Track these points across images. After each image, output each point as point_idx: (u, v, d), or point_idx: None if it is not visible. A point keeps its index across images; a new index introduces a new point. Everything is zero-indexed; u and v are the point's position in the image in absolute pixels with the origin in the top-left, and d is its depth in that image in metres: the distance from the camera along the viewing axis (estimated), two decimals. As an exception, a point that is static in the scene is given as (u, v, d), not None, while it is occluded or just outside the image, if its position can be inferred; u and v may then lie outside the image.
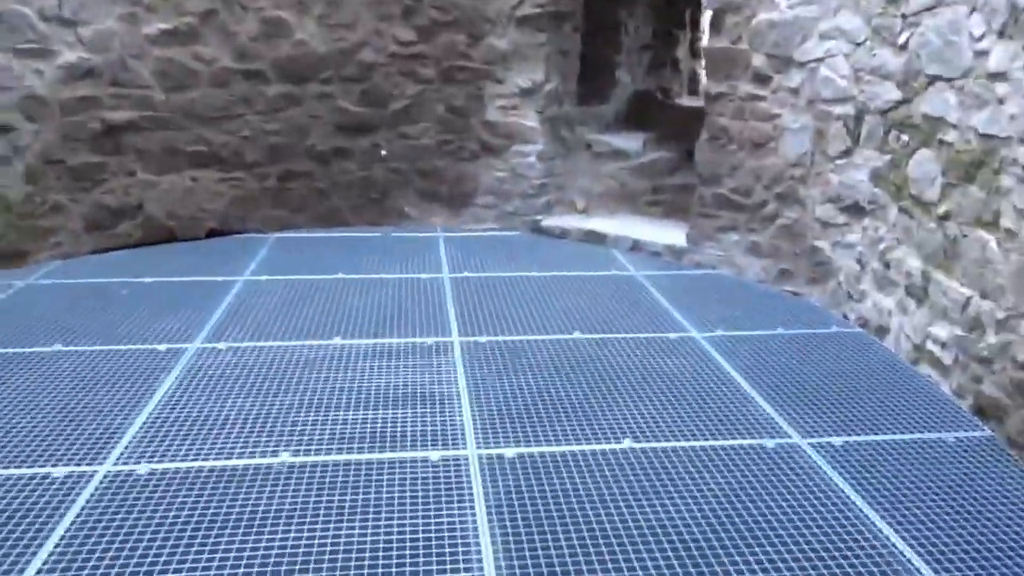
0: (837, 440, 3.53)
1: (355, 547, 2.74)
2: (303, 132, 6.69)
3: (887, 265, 4.65)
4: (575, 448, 3.40)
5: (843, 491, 3.14)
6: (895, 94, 4.55)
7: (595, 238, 6.66)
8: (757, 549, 2.77)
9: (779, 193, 5.54)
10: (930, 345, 4.20)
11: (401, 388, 3.94)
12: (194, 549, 2.72)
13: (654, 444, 3.44)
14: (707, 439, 3.50)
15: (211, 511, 2.93)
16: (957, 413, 3.81)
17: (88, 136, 5.91)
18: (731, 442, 3.48)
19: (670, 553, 2.73)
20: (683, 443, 3.46)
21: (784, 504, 3.04)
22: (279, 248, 6.34)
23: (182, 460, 3.26)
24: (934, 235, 4.19)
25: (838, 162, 5.09)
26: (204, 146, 6.40)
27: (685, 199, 6.57)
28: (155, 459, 3.26)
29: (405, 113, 6.90)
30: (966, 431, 3.65)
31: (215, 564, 2.64)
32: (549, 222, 6.93)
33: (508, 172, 6.97)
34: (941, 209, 4.12)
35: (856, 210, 4.99)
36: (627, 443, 3.44)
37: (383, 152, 6.92)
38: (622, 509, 2.98)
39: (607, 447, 3.41)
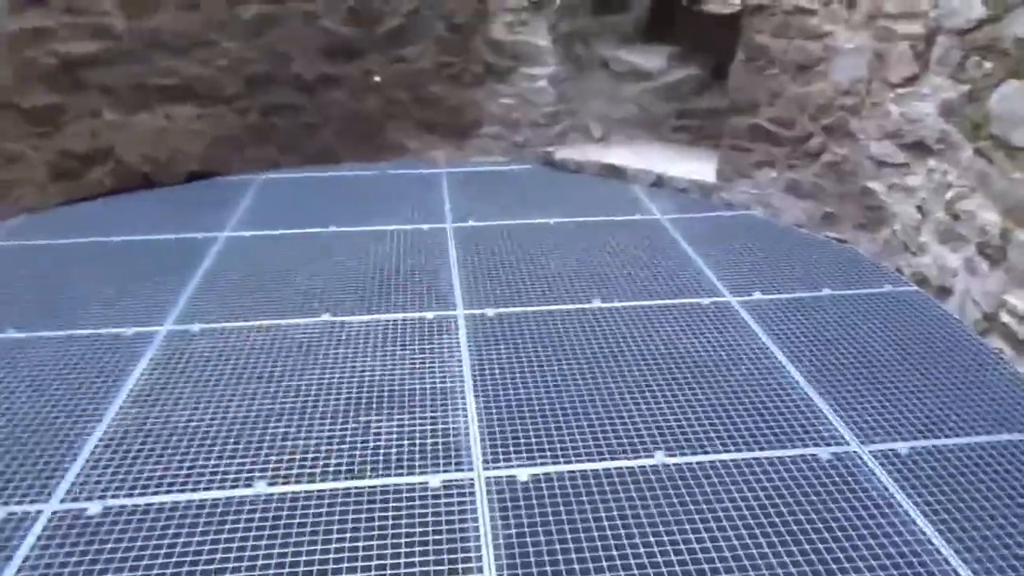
0: (902, 447, 3.03)
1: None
2: (285, 59, 5.95)
3: (955, 216, 4.02)
4: (599, 466, 2.92)
5: (931, 541, 2.66)
6: (978, 11, 3.78)
7: (614, 172, 6.01)
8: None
9: (827, 125, 4.83)
10: (1004, 316, 3.63)
11: (397, 384, 3.44)
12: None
13: (689, 459, 2.95)
14: (752, 450, 3.01)
15: (174, 559, 2.51)
16: (1039, 404, 3.29)
17: (42, 74, 5.24)
18: (782, 453, 2.99)
19: None
20: (722, 456, 2.98)
21: (848, 529, 2.58)
22: (265, 193, 5.74)
23: (141, 494, 2.82)
24: (1019, 186, 3.54)
25: (900, 91, 4.35)
26: (175, 79, 5.71)
27: (715, 125, 5.85)
28: (109, 494, 2.82)
29: (399, 33, 6.11)
30: (1051, 428, 3.14)
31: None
32: (563, 154, 6.25)
33: (516, 98, 6.25)
34: (1031, 157, 3.46)
35: (920, 148, 4.30)
36: (659, 457, 2.96)
37: (376, 79, 6.18)
38: (659, 531, 2.53)
39: (635, 463, 2.93)
